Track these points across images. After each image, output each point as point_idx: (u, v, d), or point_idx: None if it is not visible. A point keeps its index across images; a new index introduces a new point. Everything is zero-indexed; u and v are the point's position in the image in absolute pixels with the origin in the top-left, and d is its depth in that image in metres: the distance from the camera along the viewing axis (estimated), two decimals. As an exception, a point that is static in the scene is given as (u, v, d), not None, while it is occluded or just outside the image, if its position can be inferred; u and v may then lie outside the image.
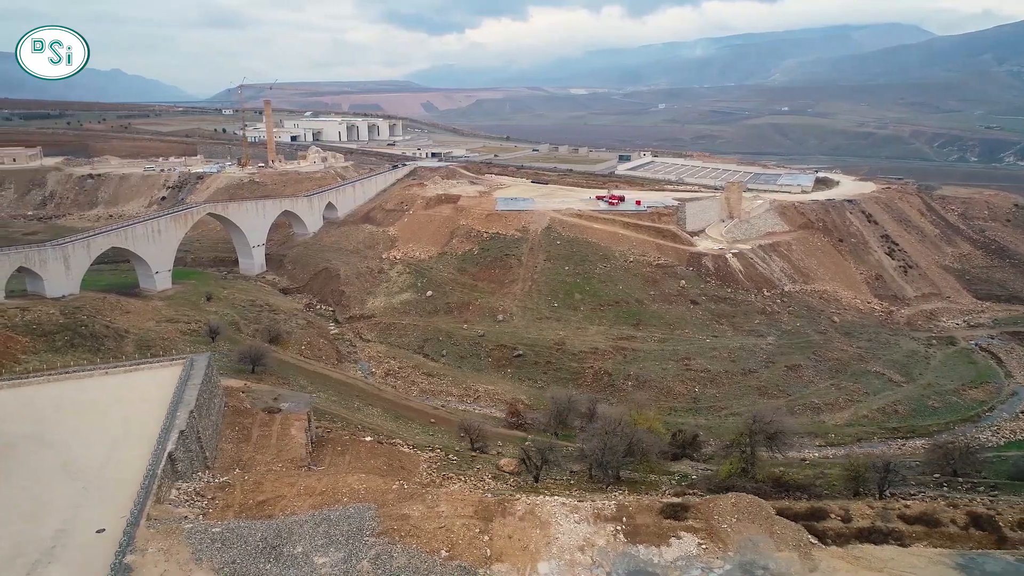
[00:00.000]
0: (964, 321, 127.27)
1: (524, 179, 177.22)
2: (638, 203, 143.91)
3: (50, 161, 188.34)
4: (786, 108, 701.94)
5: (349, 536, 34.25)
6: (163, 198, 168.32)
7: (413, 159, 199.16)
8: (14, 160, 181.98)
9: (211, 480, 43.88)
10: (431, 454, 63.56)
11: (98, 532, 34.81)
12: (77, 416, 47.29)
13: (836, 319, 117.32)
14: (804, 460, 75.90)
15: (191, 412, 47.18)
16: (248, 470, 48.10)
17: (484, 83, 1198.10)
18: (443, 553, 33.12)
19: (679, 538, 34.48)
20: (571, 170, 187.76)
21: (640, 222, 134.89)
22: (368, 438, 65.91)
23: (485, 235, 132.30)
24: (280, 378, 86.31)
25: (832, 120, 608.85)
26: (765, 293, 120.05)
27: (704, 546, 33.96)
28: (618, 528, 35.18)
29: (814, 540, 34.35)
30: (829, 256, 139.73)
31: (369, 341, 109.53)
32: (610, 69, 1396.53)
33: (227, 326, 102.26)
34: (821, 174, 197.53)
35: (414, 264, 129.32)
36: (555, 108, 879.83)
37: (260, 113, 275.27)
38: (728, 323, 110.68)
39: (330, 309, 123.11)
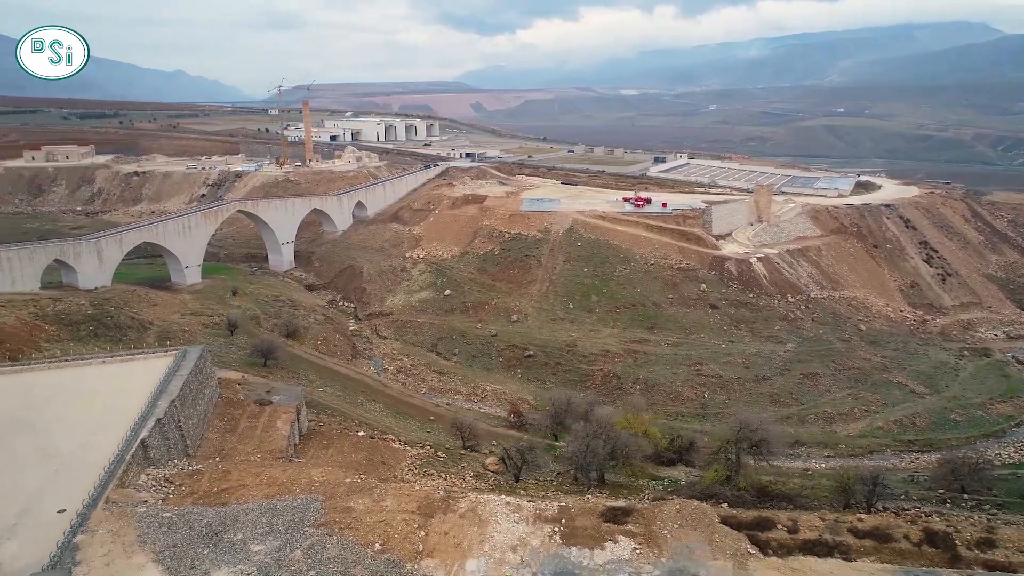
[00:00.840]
0: (1004, 332, 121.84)
1: (554, 180, 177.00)
2: (664, 205, 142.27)
3: (101, 159, 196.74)
4: (841, 110, 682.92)
5: (290, 526, 35.14)
6: (203, 195, 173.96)
7: (446, 159, 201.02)
8: (67, 157, 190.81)
9: (184, 467, 45.44)
10: (420, 451, 64.37)
11: (59, 512, 36.52)
12: (66, 403, 49.60)
13: (863, 327, 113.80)
14: (808, 471, 74.15)
15: (172, 401, 48.95)
16: (227, 459, 49.65)
17: (534, 84, 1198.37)
18: (377, 546, 33.70)
19: (615, 542, 34.28)
20: (603, 171, 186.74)
21: (664, 224, 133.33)
22: (361, 433, 67.14)
23: (507, 235, 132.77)
24: (290, 372, 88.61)
25: (889, 122, 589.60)
26: (789, 299, 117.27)
27: (638, 551, 33.69)
28: (556, 529, 35.18)
29: (753, 550, 33.70)
30: (862, 262, 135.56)
31: (385, 338, 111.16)
32: (662, 70, 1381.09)
33: (247, 320, 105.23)
34: (864, 178, 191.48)
35: (436, 263, 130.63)
36: (604, 109, 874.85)
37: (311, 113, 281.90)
38: (747, 329, 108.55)
39: (352, 306, 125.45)
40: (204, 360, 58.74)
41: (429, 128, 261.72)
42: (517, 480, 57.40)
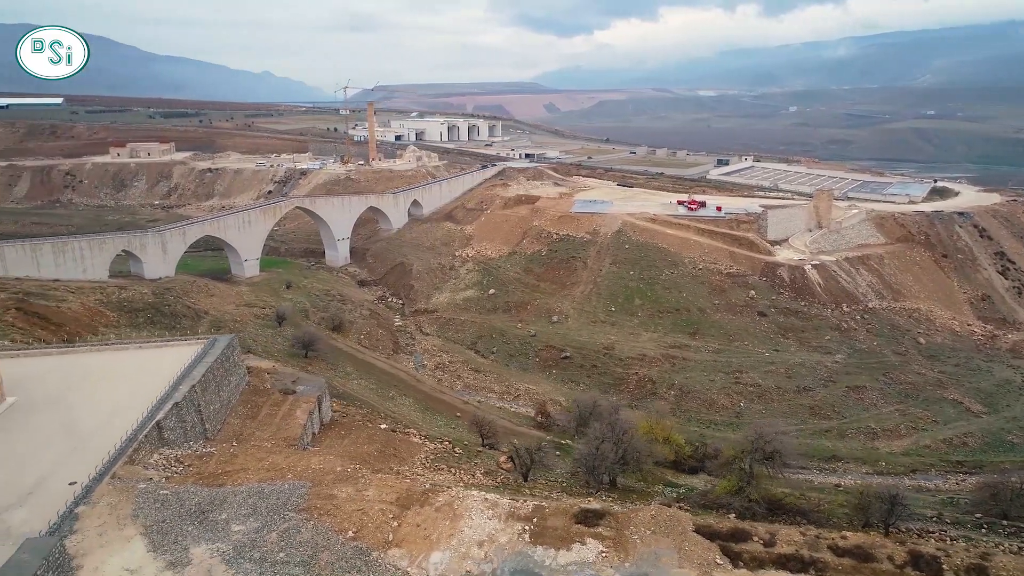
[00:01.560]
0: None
1: (611, 182, 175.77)
2: (718, 209, 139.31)
3: (179, 156, 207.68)
4: (932, 112, 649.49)
5: (272, 509, 36.67)
6: (269, 192, 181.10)
7: (504, 159, 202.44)
8: (148, 154, 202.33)
9: (198, 450, 47.82)
10: (437, 445, 65.44)
11: (70, 484, 39.19)
12: (98, 384, 52.93)
13: (922, 340, 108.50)
14: (839, 486, 71.47)
15: (193, 387, 51.59)
16: (243, 444, 51.95)
17: (609, 84, 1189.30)
18: (349, 533, 34.79)
19: (583, 544, 34.26)
20: (662, 174, 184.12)
21: (716, 228, 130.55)
22: (383, 425, 68.81)
23: (555, 236, 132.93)
24: (329, 364, 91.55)
25: (985, 125, 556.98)
26: (844, 308, 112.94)
27: (604, 554, 33.57)
28: (526, 528, 35.42)
29: (723, 561, 33.06)
30: (928, 272, 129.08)
31: (428, 335, 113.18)
32: (743, 70, 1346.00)
33: (297, 313, 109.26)
34: (941, 184, 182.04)
35: (484, 262, 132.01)
36: (678, 110, 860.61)
37: (377, 113, 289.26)
38: (795, 338, 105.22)
39: (400, 302, 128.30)
40: (232, 349, 61.51)
41: (491, 128, 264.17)
42: (526, 479, 57.63)
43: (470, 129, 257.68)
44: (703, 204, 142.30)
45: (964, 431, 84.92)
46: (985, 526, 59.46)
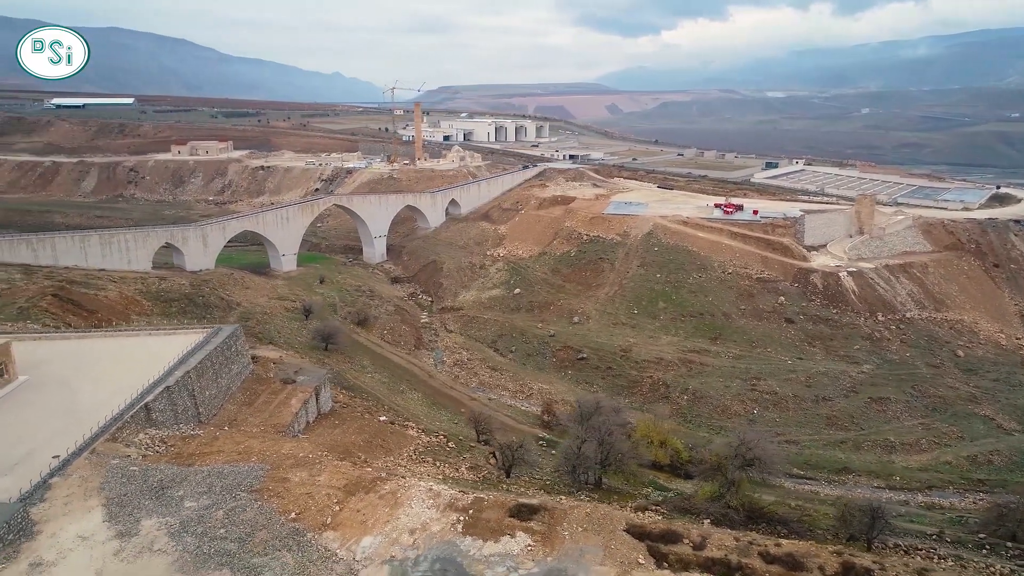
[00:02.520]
0: None
1: (652, 184, 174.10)
2: (755, 213, 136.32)
3: (236, 154, 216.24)
4: (1016, 114, 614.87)
5: (226, 488, 38.63)
6: (316, 189, 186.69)
7: (547, 160, 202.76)
8: (206, 152, 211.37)
9: (184, 432, 50.47)
10: (431, 439, 66.86)
11: (53, 457, 42.16)
12: (105, 367, 56.37)
13: (961, 353, 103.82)
14: (816, 494, 70.08)
15: (187, 372, 54.42)
16: (233, 428, 54.51)
17: (674, 85, 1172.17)
18: (292, 515, 36.38)
19: (512, 536, 34.90)
20: (705, 176, 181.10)
21: (750, 233, 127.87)
22: (383, 418, 70.75)
23: (586, 237, 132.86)
24: (347, 357, 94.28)
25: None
26: (879, 317, 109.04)
27: (530, 548, 34.12)
28: (461, 519, 36.28)
29: (645, 560, 33.16)
30: (976, 282, 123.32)
31: (451, 332, 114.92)
32: (815, 71, 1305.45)
33: (325, 307, 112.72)
34: (1005, 190, 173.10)
35: (514, 262, 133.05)
36: (744, 112, 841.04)
37: (427, 114, 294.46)
38: (822, 346, 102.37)
39: (429, 299, 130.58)
40: (236, 338, 64.36)
41: (539, 129, 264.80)
42: (508, 476, 58.46)
43: (517, 130, 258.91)
44: (739, 207, 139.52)
45: (991, 448, 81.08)
46: (988, 547, 57.08)
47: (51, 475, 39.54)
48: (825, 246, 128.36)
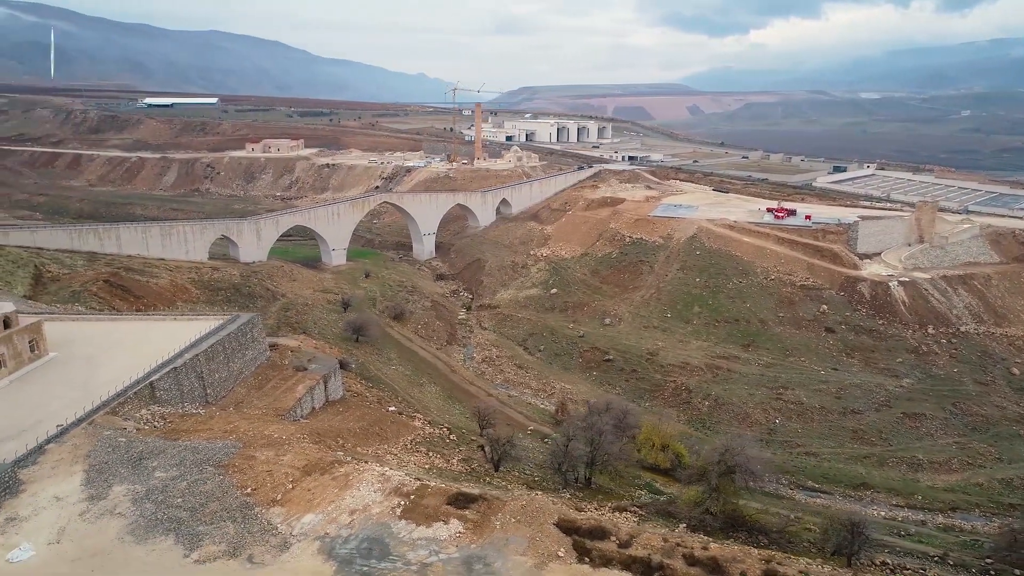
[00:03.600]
0: None
1: (707, 186, 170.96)
2: (807, 218, 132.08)
3: (305, 151, 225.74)
4: None
5: (195, 463, 41.47)
6: (376, 187, 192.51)
7: (605, 161, 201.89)
8: (277, 150, 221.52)
9: (186, 410, 54.03)
10: (434, 431, 68.74)
11: (57, 426, 46.27)
12: (126, 347, 60.88)
13: (1017, 371, 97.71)
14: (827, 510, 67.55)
15: (197, 355, 58.19)
16: (237, 410, 57.94)
17: (761, 86, 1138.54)
18: (247, 490, 38.81)
19: (446, 523, 36.13)
20: (765, 179, 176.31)
21: (798, 238, 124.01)
22: (391, 408, 73.33)
23: (628, 239, 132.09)
24: (375, 349, 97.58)
25: None
26: (929, 330, 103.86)
27: (460, 534, 35.26)
28: (401, 503, 37.79)
29: (564, 554, 33.72)
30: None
31: (485, 329, 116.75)
32: (913, 71, 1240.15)
33: (365, 300, 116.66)
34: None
35: (555, 262, 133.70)
36: (833, 114, 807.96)
37: (494, 114, 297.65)
38: (861, 357, 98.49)
39: (471, 297, 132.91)
40: (253, 326, 68.03)
41: (601, 130, 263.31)
42: (496, 469, 59.60)
43: (579, 131, 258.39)
44: (791, 212, 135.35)
45: (1030, 473, 76.23)
46: (993, 572, 54.37)
47: (47, 441, 43.49)
48: (880, 254, 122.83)
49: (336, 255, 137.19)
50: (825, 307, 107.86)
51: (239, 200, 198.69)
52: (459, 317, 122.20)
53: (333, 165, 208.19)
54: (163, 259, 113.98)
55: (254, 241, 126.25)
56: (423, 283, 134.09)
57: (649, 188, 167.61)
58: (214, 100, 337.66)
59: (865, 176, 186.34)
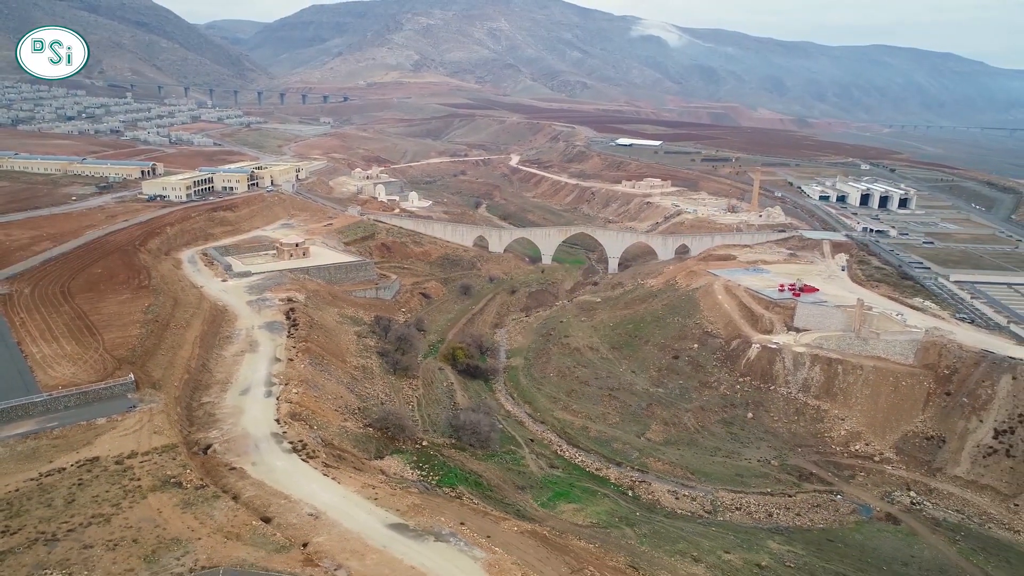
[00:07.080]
0: None
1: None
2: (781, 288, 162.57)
3: (669, 189, 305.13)
4: None
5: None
6: (657, 223, 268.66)
7: (833, 229, 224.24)
8: (633, 186, 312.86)
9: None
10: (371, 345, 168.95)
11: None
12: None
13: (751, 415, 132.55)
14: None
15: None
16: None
17: None
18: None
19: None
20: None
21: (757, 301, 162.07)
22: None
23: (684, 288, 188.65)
24: (474, 301, 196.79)
25: None
26: (749, 380, 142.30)
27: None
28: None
29: (465, 523, 73.04)
30: (905, 397, 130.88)
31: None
32: None
33: (503, 279, 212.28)
34: None
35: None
36: None
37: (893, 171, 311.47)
38: (674, 375, 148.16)
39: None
40: (369, 267, 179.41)
41: (904, 200, 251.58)
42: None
43: (883, 198, 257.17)
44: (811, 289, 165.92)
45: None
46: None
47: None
48: (809, 331, 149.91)
49: (546, 257, 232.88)
50: (696, 345, 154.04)
51: (580, 216, 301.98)
52: (557, 303, 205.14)
53: (649, 203, 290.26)
54: (448, 241, 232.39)
55: (497, 242, 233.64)
56: (562, 278, 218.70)
57: (792, 255, 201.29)
58: (658, 143, 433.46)
59: None
